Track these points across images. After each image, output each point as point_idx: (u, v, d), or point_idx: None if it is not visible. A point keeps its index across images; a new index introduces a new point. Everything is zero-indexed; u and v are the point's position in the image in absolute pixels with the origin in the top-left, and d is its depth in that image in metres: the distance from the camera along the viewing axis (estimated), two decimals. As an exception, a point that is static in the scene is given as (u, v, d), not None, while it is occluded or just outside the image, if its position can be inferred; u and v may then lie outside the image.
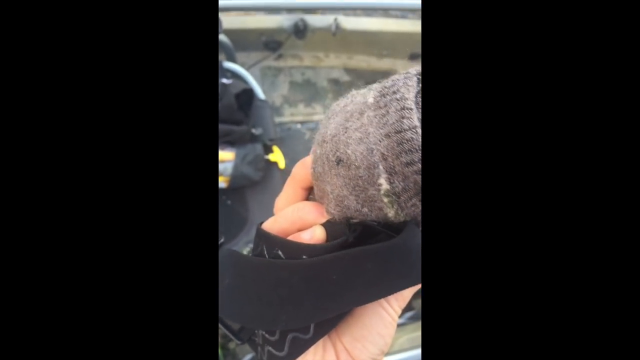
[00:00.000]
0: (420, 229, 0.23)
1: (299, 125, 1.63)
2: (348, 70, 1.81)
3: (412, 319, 1.35)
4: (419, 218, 0.23)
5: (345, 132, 0.23)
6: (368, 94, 0.23)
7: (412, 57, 1.79)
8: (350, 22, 1.61)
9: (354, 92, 0.25)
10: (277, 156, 1.33)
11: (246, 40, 1.56)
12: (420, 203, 0.22)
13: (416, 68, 0.23)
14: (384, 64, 1.81)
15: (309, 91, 1.77)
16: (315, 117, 1.67)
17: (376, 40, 1.70)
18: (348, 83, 1.80)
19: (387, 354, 1.16)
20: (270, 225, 0.27)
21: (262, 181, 1.26)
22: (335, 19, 1.56)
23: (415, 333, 1.27)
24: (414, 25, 1.70)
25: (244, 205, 1.23)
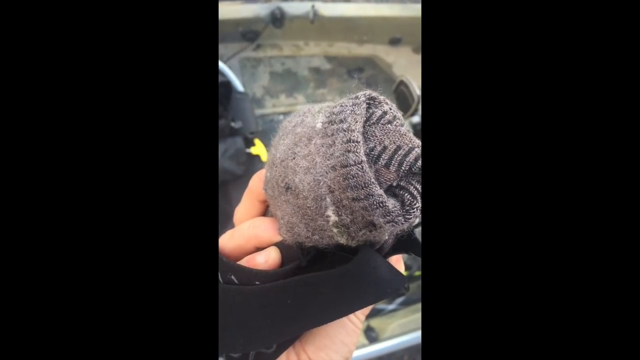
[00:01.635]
0: (375, 248, 0.23)
1: (281, 117, 1.61)
2: (329, 58, 1.79)
3: (402, 305, 1.35)
4: (375, 239, 0.22)
5: (294, 159, 0.22)
6: (317, 117, 0.22)
7: (392, 42, 1.77)
8: (328, 9, 1.58)
9: (306, 109, 0.24)
10: (259, 149, 1.30)
11: (222, 31, 1.52)
12: (371, 233, 0.21)
13: (365, 92, 0.22)
14: (364, 50, 1.78)
15: (290, 81, 1.74)
16: (298, 107, 1.64)
17: (355, 26, 1.67)
18: (329, 71, 1.78)
19: (380, 340, 1.16)
20: (227, 241, 0.28)
21: (245, 175, 1.24)
22: (313, 6, 1.53)
23: (406, 318, 1.28)
24: (393, 10, 1.68)
25: (227, 200, 1.21)
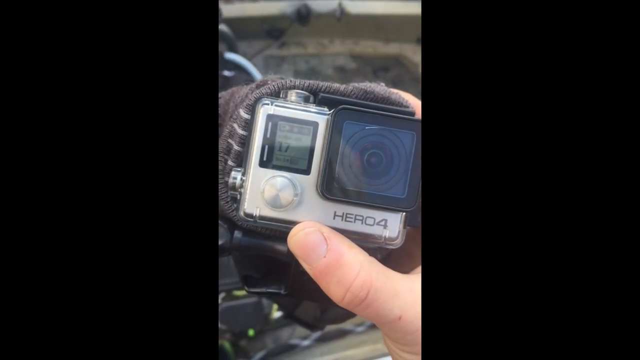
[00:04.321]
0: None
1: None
2: (354, 57, 1.76)
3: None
4: None
5: None
6: None
7: (419, 41, 1.72)
8: (355, 6, 1.54)
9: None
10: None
11: (247, 28, 1.51)
12: None
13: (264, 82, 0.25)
14: (391, 48, 1.74)
15: (314, 80, 1.72)
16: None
17: (382, 24, 1.64)
18: (354, 70, 1.74)
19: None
20: None
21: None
22: (340, 4, 1.50)
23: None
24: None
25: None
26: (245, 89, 0.27)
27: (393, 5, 1.63)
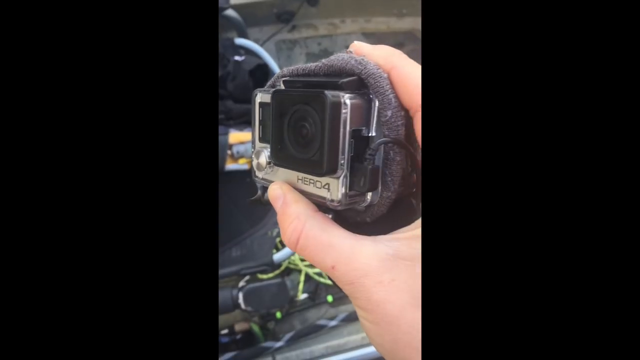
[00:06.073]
0: None
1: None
2: (367, 35, 1.72)
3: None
4: None
5: None
6: None
7: (434, 14, 1.67)
8: (365, -18, 1.51)
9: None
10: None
11: (257, 14, 1.49)
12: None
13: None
14: (404, 23, 1.70)
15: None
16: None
17: (394, -2, 1.60)
18: (367, 48, 1.71)
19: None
20: None
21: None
22: (349, -20, 1.47)
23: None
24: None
25: (269, 186, 1.20)
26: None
27: (404, -23, 1.58)
